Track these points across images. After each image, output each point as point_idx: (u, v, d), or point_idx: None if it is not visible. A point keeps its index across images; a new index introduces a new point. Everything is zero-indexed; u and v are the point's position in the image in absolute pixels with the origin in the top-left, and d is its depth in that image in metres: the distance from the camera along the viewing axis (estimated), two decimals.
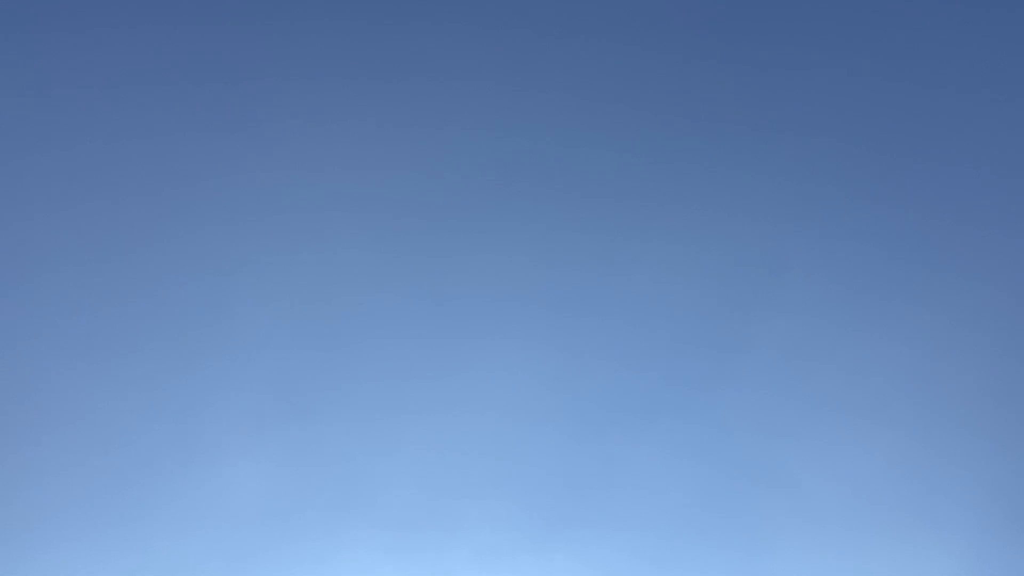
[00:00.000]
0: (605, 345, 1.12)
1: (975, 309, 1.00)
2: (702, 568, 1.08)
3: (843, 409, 1.05)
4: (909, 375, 1.02)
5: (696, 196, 1.12)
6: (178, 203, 1.12)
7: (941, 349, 1.01)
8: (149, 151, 1.11)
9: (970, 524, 0.96)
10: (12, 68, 1.09)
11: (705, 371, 1.11)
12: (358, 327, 1.13)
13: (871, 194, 1.06)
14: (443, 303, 1.14)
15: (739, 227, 1.10)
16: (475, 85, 1.15)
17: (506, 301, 1.14)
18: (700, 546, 1.08)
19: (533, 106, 1.15)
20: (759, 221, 1.10)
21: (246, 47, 1.12)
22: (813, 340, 1.07)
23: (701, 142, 1.12)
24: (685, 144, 1.13)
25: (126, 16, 1.12)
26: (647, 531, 1.09)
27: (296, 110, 1.13)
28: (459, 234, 1.15)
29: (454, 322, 1.13)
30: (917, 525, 0.99)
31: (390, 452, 1.11)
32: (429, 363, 1.13)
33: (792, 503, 1.07)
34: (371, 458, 1.11)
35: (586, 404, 1.12)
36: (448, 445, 1.11)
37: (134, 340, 1.10)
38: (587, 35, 1.14)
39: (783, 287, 1.07)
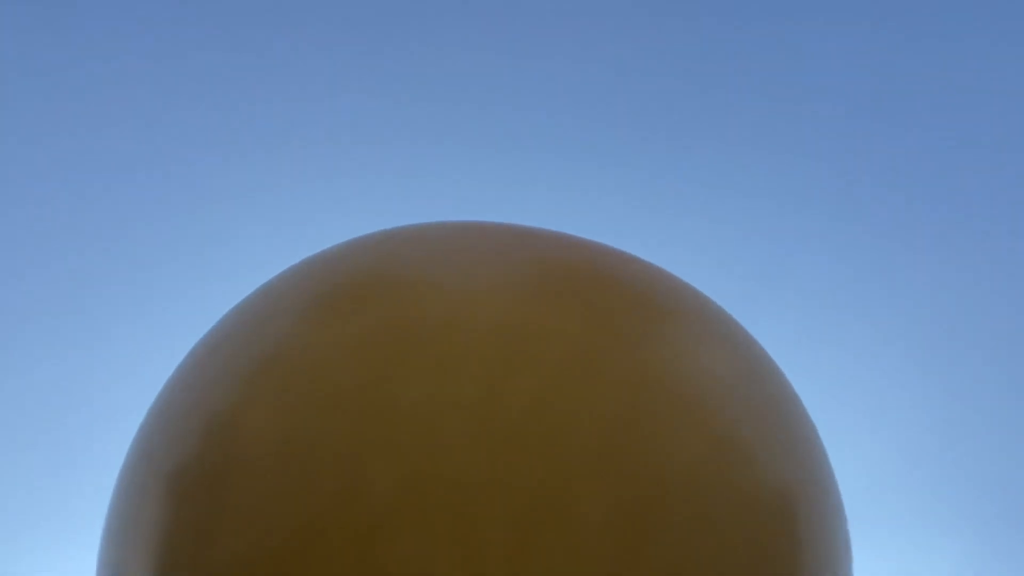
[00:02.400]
0: None
1: (977, 304, 1.00)
2: None
3: (843, 403, 1.05)
4: (909, 370, 1.02)
5: (694, 196, 1.12)
6: (181, 201, 1.12)
7: (942, 345, 1.01)
8: (154, 144, 1.11)
9: (973, 518, 0.97)
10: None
11: None
12: None
13: (877, 189, 1.06)
14: None
15: (739, 225, 1.10)
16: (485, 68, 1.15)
17: None
18: None
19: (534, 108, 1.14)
20: (759, 219, 1.10)
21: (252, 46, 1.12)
22: (815, 332, 1.07)
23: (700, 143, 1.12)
24: (679, 147, 1.13)
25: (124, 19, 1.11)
26: None
27: (298, 110, 1.13)
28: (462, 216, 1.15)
29: None
30: (918, 519, 1.00)
31: None
32: None
33: None
34: None
35: None
36: None
37: (132, 337, 1.10)
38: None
39: (783, 283, 1.07)
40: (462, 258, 0.21)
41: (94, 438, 0.83)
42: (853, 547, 0.99)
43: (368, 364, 0.19)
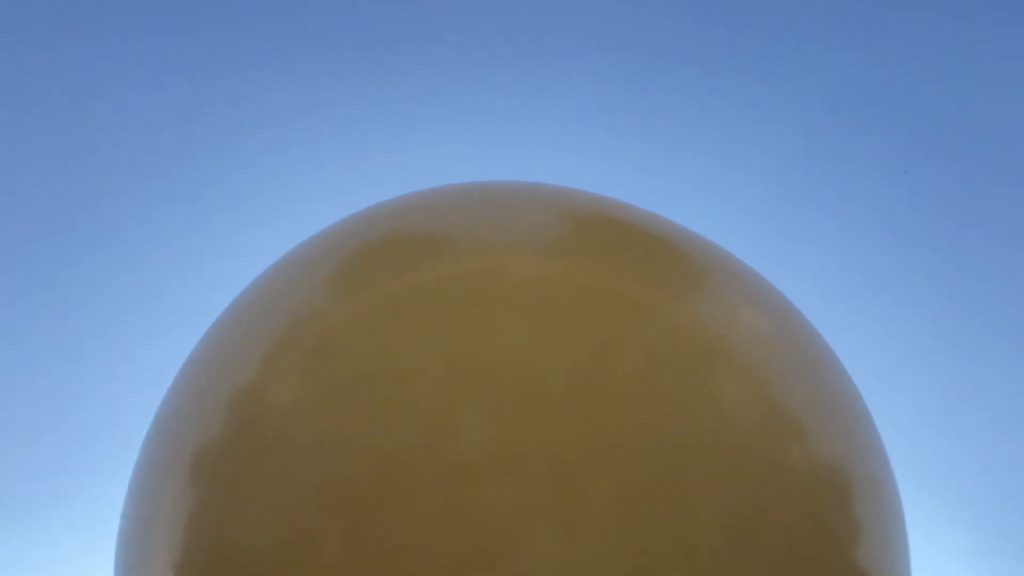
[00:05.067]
0: None
1: (980, 295, 1.00)
2: None
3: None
4: (911, 361, 1.02)
5: (688, 192, 1.12)
6: (180, 199, 1.12)
7: (944, 336, 1.01)
8: (158, 137, 1.11)
9: (975, 511, 0.96)
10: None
11: None
12: None
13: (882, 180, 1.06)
14: None
15: (738, 217, 1.10)
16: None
17: None
18: None
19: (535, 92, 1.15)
20: (757, 213, 1.10)
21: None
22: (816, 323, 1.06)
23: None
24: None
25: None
26: None
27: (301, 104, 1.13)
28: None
29: None
30: (920, 513, 0.99)
31: None
32: None
33: None
34: None
35: None
36: None
37: (130, 336, 1.09)
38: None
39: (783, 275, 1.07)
40: (511, 218, 0.19)
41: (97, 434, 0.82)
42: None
43: (446, 311, 0.17)
